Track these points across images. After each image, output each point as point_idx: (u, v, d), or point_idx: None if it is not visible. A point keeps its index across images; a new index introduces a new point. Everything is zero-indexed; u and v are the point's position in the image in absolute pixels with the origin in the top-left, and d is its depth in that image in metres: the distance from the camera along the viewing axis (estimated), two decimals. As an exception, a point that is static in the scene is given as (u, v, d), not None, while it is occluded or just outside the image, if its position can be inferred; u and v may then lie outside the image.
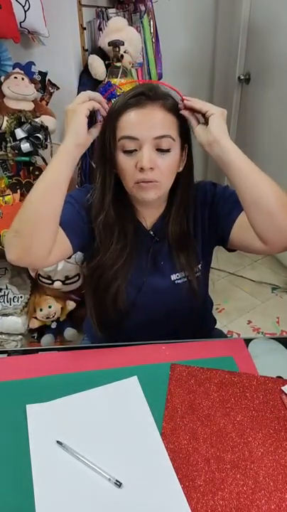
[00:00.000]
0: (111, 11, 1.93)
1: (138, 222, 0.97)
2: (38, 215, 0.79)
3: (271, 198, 0.79)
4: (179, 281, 0.98)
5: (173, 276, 0.98)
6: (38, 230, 0.80)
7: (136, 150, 0.82)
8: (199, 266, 1.00)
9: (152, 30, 2.10)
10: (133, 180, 0.84)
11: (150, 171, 0.82)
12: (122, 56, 1.75)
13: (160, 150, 0.82)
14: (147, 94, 0.81)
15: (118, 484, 0.64)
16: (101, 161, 0.88)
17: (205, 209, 0.97)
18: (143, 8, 2.01)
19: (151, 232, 0.97)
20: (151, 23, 2.09)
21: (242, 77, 2.50)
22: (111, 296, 0.94)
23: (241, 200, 0.83)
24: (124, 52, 1.76)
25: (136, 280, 0.96)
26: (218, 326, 1.23)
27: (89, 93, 0.82)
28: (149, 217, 0.97)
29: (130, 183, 0.85)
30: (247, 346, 0.91)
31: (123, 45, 1.73)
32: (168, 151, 0.83)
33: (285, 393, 0.78)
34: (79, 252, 1.01)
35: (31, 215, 0.80)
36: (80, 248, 0.96)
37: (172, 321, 0.99)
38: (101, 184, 0.89)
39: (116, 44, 1.71)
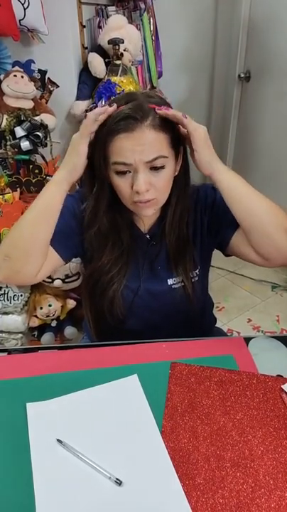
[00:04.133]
0: (110, 8, 1.93)
1: (135, 226, 0.96)
2: (28, 242, 0.85)
3: (267, 220, 0.83)
4: (176, 285, 0.97)
5: (170, 281, 0.97)
6: (28, 255, 0.85)
7: (129, 171, 0.82)
8: (197, 271, 0.99)
9: (152, 28, 2.10)
10: (131, 200, 0.85)
11: (147, 192, 0.82)
12: (122, 54, 1.74)
13: (154, 168, 0.82)
14: (135, 117, 0.78)
15: (119, 482, 0.64)
16: (91, 175, 0.88)
17: (205, 214, 0.96)
18: (142, 5, 2.00)
19: (148, 236, 0.97)
20: (151, 20, 2.08)
21: (242, 75, 2.49)
22: (108, 301, 0.94)
23: (238, 221, 0.86)
24: (124, 50, 1.76)
25: (132, 284, 0.96)
26: (218, 324, 1.23)
27: (96, 112, 0.80)
28: (146, 221, 0.96)
29: (128, 202, 0.86)
30: (247, 345, 0.91)
31: (123, 43, 1.73)
32: (162, 168, 0.82)
33: (285, 391, 0.78)
34: None
35: (22, 242, 0.85)
36: (72, 257, 0.99)
37: (170, 324, 0.98)
38: (93, 196, 0.90)
39: (115, 42, 1.71)
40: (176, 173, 0.89)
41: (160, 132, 0.81)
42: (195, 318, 1.01)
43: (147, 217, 0.95)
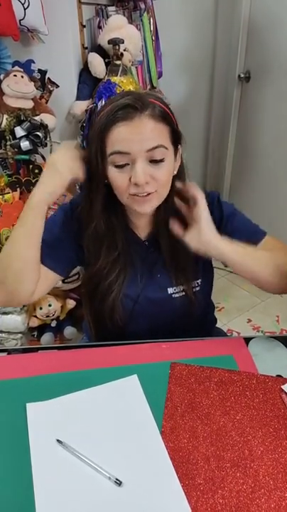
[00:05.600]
0: (110, 8, 1.92)
1: (132, 231, 0.95)
2: (17, 263, 0.84)
3: (265, 275, 0.88)
4: (176, 295, 0.96)
5: (170, 290, 0.96)
6: (20, 275, 0.85)
7: (128, 164, 0.79)
8: (199, 281, 0.98)
9: (152, 28, 2.10)
10: (127, 193, 0.82)
11: (146, 185, 0.80)
12: (122, 54, 1.74)
13: (153, 161, 0.79)
14: (134, 106, 0.77)
15: (118, 483, 0.64)
16: (87, 174, 0.85)
17: None
18: (143, 6, 2.00)
19: (146, 243, 0.95)
20: (151, 21, 2.08)
21: (242, 76, 2.49)
22: (108, 307, 0.93)
23: (239, 274, 0.90)
24: (124, 50, 1.76)
25: (131, 291, 0.94)
26: (218, 324, 1.23)
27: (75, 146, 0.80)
28: (144, 228, 0.95)
29: (124, 196, 0.83)
30: (247, 345, 0.91)
31: (123, 43, 1.73)
32: (161, 161, 0.80)
33: (285, 392, 0.78)
34: None
35: (11, 264, 0.84)
36: (71, 269, 1.00)
37: (170, 329, 0.96)
38: (88, 197, 0.87)
39: (115, 42, 1.71)
40: (175, 173, 0.87)
41: (160, 123, 0.79)
42: (196, 324, 1.01)
43: (142, 223, 0.93)
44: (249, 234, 0.95)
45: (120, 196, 0.84)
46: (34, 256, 0.85)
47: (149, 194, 0.81)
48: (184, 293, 0.96)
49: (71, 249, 0.93)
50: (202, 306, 1.03)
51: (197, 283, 0.98)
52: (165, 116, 0.80)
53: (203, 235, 0.84)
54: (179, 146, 0.86)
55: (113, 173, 0.81)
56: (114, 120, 0.77)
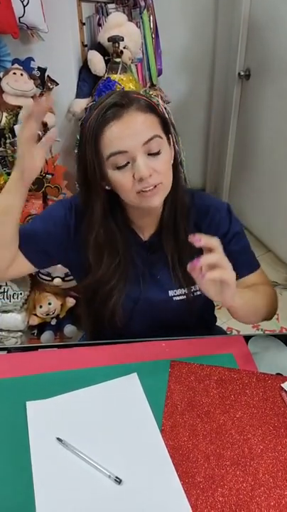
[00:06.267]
0: (110, 6, 1.92)
1: (134, 233, 0.94)
2: None
3: (242, 315, 0.87)
4: (177, 297, 0.95)
5: (171, 292, 0.95)
6: None
7: (128, 163, 0.78)
8: None
9: (152, 26, 2.09)
10: (135, 191, 0.80)
11: (150, 178, 0.79)
12: (122, 52, 1.74)
13: (151, 154, 0.79)
14: (121, 103, 0.77)
15: (118, 481, 0.64)
16: (85, 182, 0.84)
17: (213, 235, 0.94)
18: (142, 3, 1.99)
19: (147, 244, 0.95)
20: (151, 18, 2.07)
21: (242, 73, 2.48)
22: (108, 312, 0.93)
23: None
24: (124, 47, 1.75)
25: (132, 292, 0.94)
26: (218, 322, 1.23)
27: (27, 109, 0.78)
28: (147, 228, 0.94)
29: (131, 195, 0.81)
30: (247, 343, 0.91)
31: (122, 40, 1.72)
32: (158, 152, 0.79)
33: (284, 390, 0.78)
34: None
35: None
36: (48, 265, 1.00)
37: (170, 329, 0.96)
38: (88, 204, 0.86)
39: (115, 40, 1.70)
40: (172, 162, 0.86)
41: (149, 114, 0.79)
42: (195, 323, 1.01)
43: (145, 224, 0.93)
44: (246, 263, 0.95)
45: (126, 196, 0.83)
46: (9, 233, 0.85)
47: (155, 186, 0.80)
48: (185, 296, 0.95)
49: (56, 246, 0.93)
50: (202, 308, 1.03)
51: (198, 286, 0.97)
52: (152, 108, 0.81)
53: (229, 296, 0.76)
54: (170, 135, 0.86)
55: (115, 175, 0.80)
56: (104, 121, 0.77)
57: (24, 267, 0.93)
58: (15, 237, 0.87)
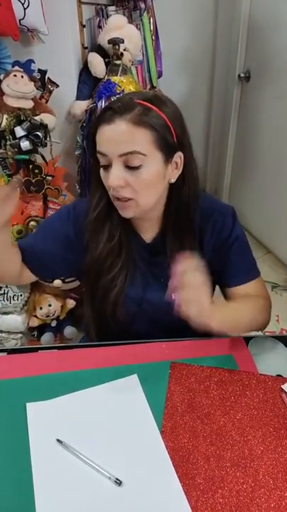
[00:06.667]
0: (110, 8, 1.93)
1: (135, 234, 0.94)
2: None
3: (246, 330, 0.90)
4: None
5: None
6: None
7: (109, 165, 0.79)
8: None
9: (152, 28, 2.10)
10: (112, 195, 0.83)
11: (121, 189, 0.79)
12: (122, 54, 1.74)
13: (129, 167, 0.78)
14: (113, 109, 0.77)
15: (118, 482, 0.64)
16: (88, 176, 0.89)
17: (216, 242, 0.93)
18: (142, 5, 2.00)
19: (150, 246, 0.95)
20: (151, 20, 2.08)
21: (242, 75, 2.49)
22: (111, 304, 0.93)
23: None
24: (124, 49, 1.76)
25: (134, 293, 0.94)
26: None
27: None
28: (149, 230, 0.94)
29: (111, 197, 0.84)
30: (247, 344, 0.91)
31: (123, 42, 1.73)
32: (138, 168, 0.77)
33: (285, 391, 0.78)
34: None
35: None
36: (55, 277, 1.06)
37: (171, 331, 0.95)
38: (93, 195, 0.90)
39: (115, 42, 1.71)
40: (172, 181, 0.84)
41: (141, 128, 0.76)
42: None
43: (146, 227, 0.93)
44: (242, 272, 0.95)
45: (110, 196, 0.86)
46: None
47: (127, 200, 0.81)
48: None
49: (66, 258, 0.96)
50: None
51: None
52: (151, 122, 0.77)
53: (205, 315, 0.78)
54: (177, 153, 0.83)
55: (101, 172, 0.83)
56: (99, 121, 0.80)
57: (32, 277, 0.98)
58: (8, 252, 0.89)
